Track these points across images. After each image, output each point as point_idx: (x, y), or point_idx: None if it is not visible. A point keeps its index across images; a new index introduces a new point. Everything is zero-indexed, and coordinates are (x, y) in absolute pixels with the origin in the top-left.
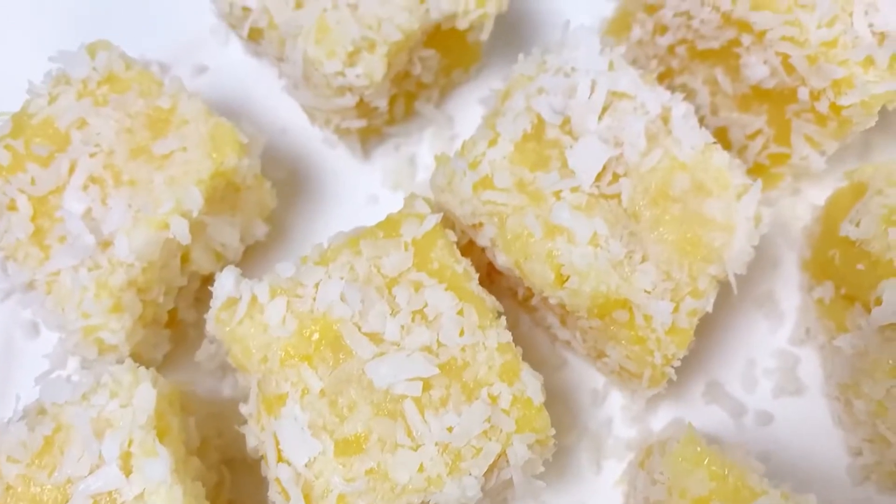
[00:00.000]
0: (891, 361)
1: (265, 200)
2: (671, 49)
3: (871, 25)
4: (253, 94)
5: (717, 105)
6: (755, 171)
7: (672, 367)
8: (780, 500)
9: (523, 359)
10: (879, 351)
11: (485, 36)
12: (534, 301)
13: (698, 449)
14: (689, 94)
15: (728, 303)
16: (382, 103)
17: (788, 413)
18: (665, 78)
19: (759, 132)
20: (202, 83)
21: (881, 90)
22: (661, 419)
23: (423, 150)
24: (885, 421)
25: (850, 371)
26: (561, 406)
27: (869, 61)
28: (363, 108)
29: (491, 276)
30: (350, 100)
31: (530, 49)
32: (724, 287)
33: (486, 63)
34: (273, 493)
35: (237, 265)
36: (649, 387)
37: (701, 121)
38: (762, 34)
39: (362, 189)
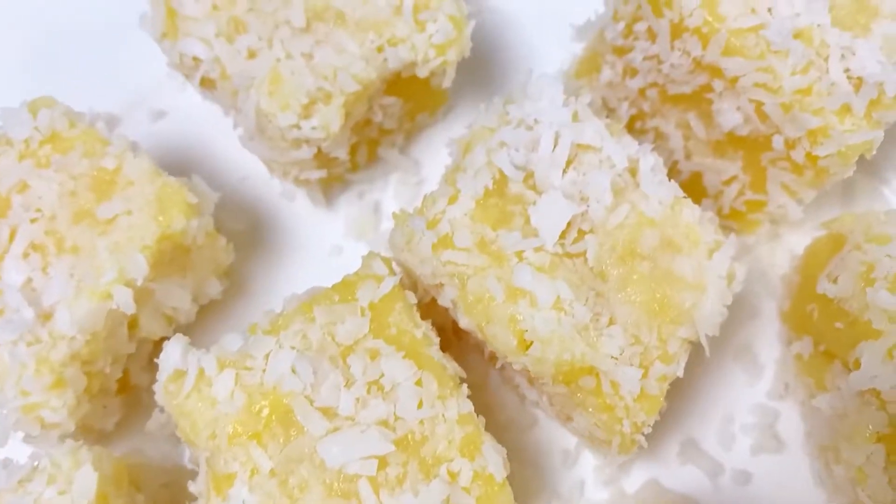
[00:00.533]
0: (871, 427)
1: (220, 257)
2: (642, 92)
3: (847, 71)
4: (212, 140)
5: (691, 150)
6: (731, 217)
7: (643, 433)
8: None
9: (492, 418)
10: (859, 414)
11: (447, 83)
12: (500, 362)
13: None
14: (662, 138)
15: (704, 355)
16: (342, 153)
17: (768, 472)
18: (637, 121)
19: (734, 178)
20: (160, 129)
21: (858, 140)
22: (635, 481)
23: (387, 197)
24: (866, 489)
25: (830, 433)
26: (530, 468)
27: (845, 109)
28: (322, 158)
29: (457, 333)
30: (307, 152)
31: (499, 89)
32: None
33: (454, 104)
34: None
35: (192, 326)
36: (619, 453)
37: (675, 165)
38: (734, 80)
39: (325, 239)
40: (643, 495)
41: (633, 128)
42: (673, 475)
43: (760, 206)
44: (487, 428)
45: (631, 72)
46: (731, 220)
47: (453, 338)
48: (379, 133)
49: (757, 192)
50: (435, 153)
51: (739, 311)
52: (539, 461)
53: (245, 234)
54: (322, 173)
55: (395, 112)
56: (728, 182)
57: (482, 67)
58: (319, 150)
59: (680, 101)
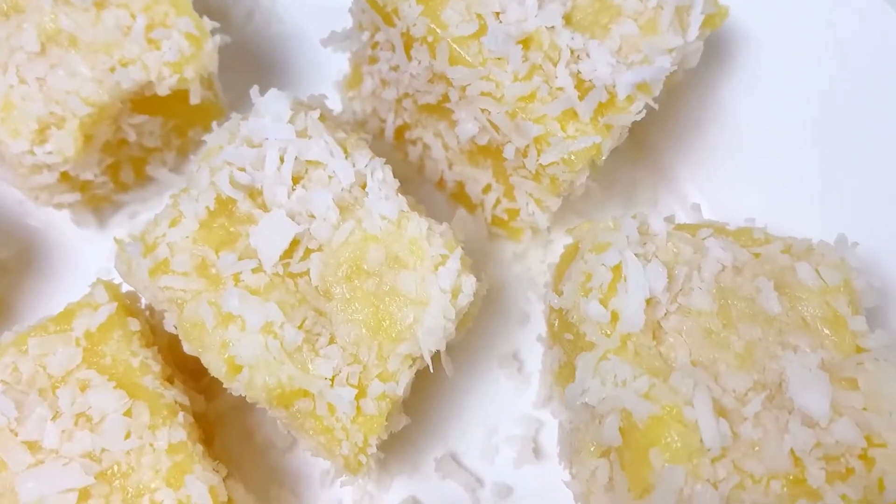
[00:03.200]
0: (593, 445)
1: None
2: (399, 102)
3: (578, 74)
4: None
5: (451, 160)
6: (496, 224)
7: (368, 454)
8: None
9: (251, 441)
10: (586, 429)
11: (195, 99)
12: None
13: None
14: (426, 148)
15: (471, 364)
16: (92, 175)
17: (528, 484)
18: (405, 131)
19: (489, 187)
20: None
21: (580, 146)
22: (393, 498)
23: None
24: (591, 500)
25: (570, 450)
26: (288, 489)
27: (569, 115)
28: (73, 181)
29: None
30: (49, 177)
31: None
32: (466, 347)
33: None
34: None
35: None
36: (348, 474)
37: (442, 176)
38: (463, 89)
39: (98, 262)
40: None
41: (403, 138)
42: (433, 491)
43: (516, 214)
44: (246, 450)
45: (383, 83)
46: (499, 228)
47: None
48: (143, 152)
49: (510, 199)
50: None
51: (508, 318)
52: (297, 482)
53: (14, 261)
54: (76, 196)
55: (153, 130)
56: (486, 190)
57: (276, 76)
58: (66, 173)
59: (432, 111)
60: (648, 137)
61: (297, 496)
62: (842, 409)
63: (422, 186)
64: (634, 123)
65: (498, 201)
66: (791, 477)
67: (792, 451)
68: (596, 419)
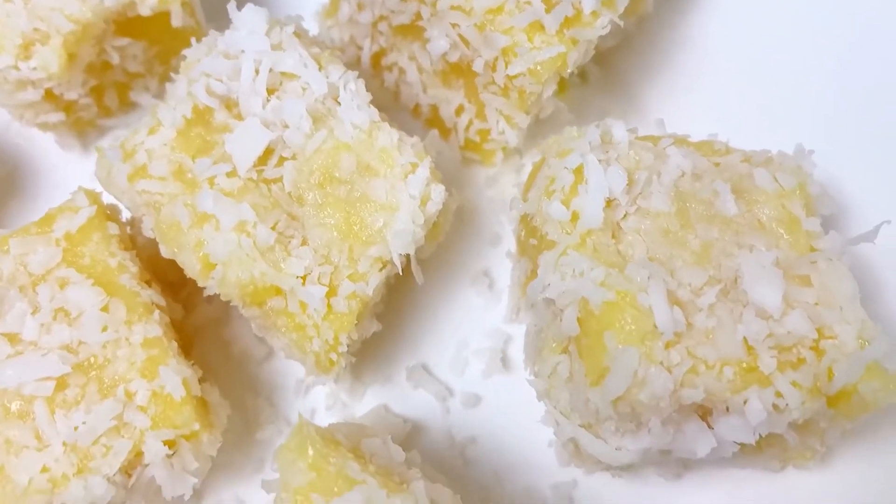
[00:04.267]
0: (554, 342)
1: None
2: (374, 26)
3: None
4: None
5: (426, 83)
6: (469, 148)
7: (339, 352)
8: (377, 488)
9: (227, 351)
10: (548, 329)
11: (176, 22)
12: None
13: (306, 440)
14: (401, 72)
15: (443, 282)
16: (76, 95)
17: (496, 393)
18: (381, 56)
19: (462, 108)
20: None
21: (545, 56)
22: (367, 405)
23: None
24: (552, 399)
25: (534, 352)
26: (263, 398)
27: (535, 27)
28: (57, 101)
29: None
30: (33, 94)
31: None
32: (438, 266)
33: None
34: None
35: None
36: (319, 373)
37: (416, 101)
38: (434, 4)
39: (76, 184)
40: (370, 419)
41: (380, 65)
42: (403, 400)
43: (487, 135)
44: (223, 360)
45: (359, 6)
46: (472, 152)
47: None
48: (127, 77)
49: (482, 120)
50: None
51: (481, 239)
52: (272, 391)
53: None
54: (60, 116)
55: (136, 54)
56: (458, 112)
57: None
58: (50, 92)
59: (406, 32)
60: (619, 69)
61: (272, 405)
62: (794, 302)
63: (398, 115)
64: (606, 53)
65: (470, 122)
66: (744, 364)
67: (745, 339)
68: (557, 317)
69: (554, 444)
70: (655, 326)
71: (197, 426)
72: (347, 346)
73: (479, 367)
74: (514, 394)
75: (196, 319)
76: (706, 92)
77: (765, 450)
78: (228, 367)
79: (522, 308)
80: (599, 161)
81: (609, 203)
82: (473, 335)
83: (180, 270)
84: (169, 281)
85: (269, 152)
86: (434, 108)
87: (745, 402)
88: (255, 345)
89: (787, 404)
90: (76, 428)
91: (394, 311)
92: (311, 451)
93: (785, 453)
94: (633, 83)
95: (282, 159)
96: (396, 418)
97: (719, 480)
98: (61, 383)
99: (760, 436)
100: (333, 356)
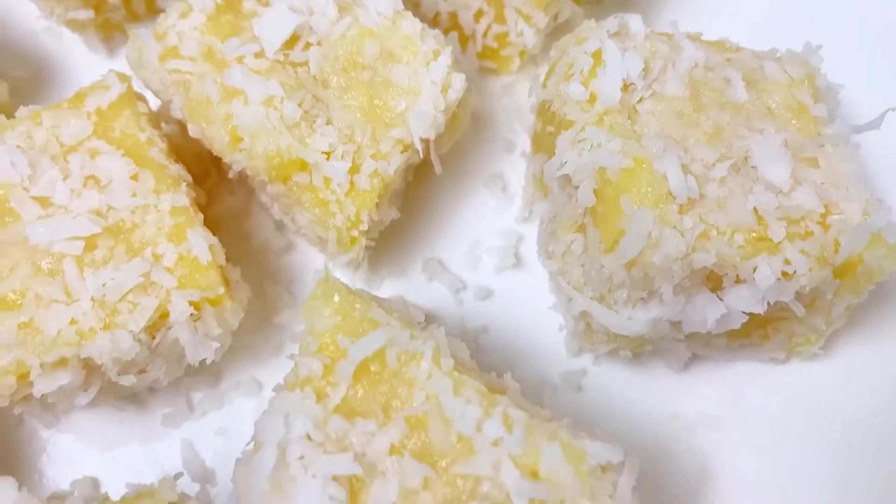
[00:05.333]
0: (570, 221)
1: None
2: None
3: None
4: None
5: None
6: (486, 56)
7: (360, 230)
8: (401, 329)
9: (249, 243)
10: (563, 212)
11: None
12: (249, 181)
13: (332, 289)
14: None
15: (458, 184)
16: None
17: (508, 288)
18: None
19: (481, 12)
20: None
21: None
22: (383, 295)
23: None
24: (566, 276)
25: (547, 237)
26: (283, 287)
27: None
28: None
29: (218, 166)
30: None
31: None
32: (453, 170)
33: None
34: None
35: None
36: (340, 251)
37: (436, 10)
38: None
39: None
40: (387, 305)
41: None
42: (418, 292)
43: (505, 38)
44: (243, 252)
45: None
46: (489, 60)
47: (214, 171)
48: None
49: (501, 23)
50: None
51: (495, 145)
52: (292, 281)
53: (26, 81)
54: (89, 14)
55: None
56: (477, 17)
57: None
58: None
59: None
60: None
61: (290, 293)
62: (802, 180)
63: None
64: None
65: (489, 27)
66: (754, 234)
67: (755, 210)
68: (572, 197)
69: (564, 334)
70: (670, 192)
71: (222, 290)
72: (367, 229)
73: (491, 263)
74: (525, 288)
75: (217, 212)
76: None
77: (771, 337)
78: (248, 258)
79: (535, 202)
80: (617, 48)
81: (626, 87)
82: (486, 234)
83: (204, 162)
84: (192, 173)
85: (294, 38)
86: (453, 16)
87: (754, 270)
88: (274, 238)
89: (794, 271)
90: (104, 285)
91: (410, 208)
92: (336, 298)
93: (790, 341)
94: None
95: (307, 45)
96: (412, 308)
97: (724, 373)
98: (90, 244)
99: (769, 304)
100: (355, 233)
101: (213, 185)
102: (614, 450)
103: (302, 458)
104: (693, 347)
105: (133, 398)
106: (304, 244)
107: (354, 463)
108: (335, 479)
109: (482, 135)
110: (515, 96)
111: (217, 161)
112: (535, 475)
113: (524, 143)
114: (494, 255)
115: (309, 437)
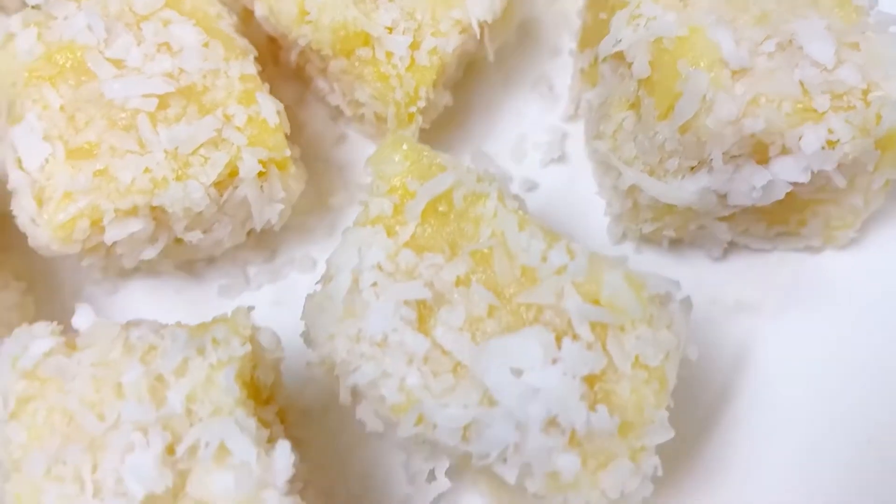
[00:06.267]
0: (622, 98)
1: None
2: None
3: None
4: None
5: None
6: None
7: (419, 107)
8: (465, 173)
9: (303, 134)
10: (615, 92)
11: None
12: (307, 69)
13: (401, 139)
14: None
15: (506, 86)
16: None
17: (553, 180)
18: None
19: None
20: None
21: None
22: None
23: None
24: (617, 152)
25: (598, 120)
26: (335, 170)
27: None
28: None
29: (276, 60)
30: None
31: None
32: (501, 71)
33: None
34: (15, 206)
35: None
36: (399, 127)
37: None
38: None
39: None
40: None
41: None
42: None
43: None
44: (300, 140)
45: None
46: None
47: (272, 64)
48: None
49: None
50: None
51: (541, 49)
52: (344, 170)
53: None
54: None
55: None
56: None
57: None
58: None
59: None
60: None
61: (342, 176)
62: (845, 59)
63: None
64: None
65: None
66: (800, 103)
67: (801, 82)
68: (625, 78)
69: (607, 222)
70: (722, 59)
71: (288, 152)
72: (424, 107)
73: (537, 157)
74: (570, 181)
75: None
76: None
77: (809, 222)
78: (303, 146)
79: (582, 98)
80: None
81: None
82: (532, 130)
83: (262, 53)
84: None
85: None
86: None
87: (800, 139)
88: (328, 128)
89: (838, 139)
90: (177, 139)
91: (461, 102)
92: (405, 146)
93: (827, 226)
94: None
95: None
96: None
97: (761, 262)
98: (163, 102)
99: (812, 173)
100: (413, 109)
101: (271, 77)
102: (673, 283)
103: (374, 284)
104: (733, 232)
105: (190, 269)
106: (356, 136)
107: (425, 288)
108: (406, 303)
109: (529, 40)
110: (561, 4)
111: (275, 52)
112: (596, 302)
113: (568, 47)
114: (540, 149)
115: (380, 267)
